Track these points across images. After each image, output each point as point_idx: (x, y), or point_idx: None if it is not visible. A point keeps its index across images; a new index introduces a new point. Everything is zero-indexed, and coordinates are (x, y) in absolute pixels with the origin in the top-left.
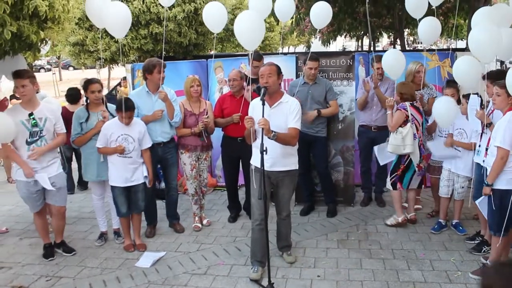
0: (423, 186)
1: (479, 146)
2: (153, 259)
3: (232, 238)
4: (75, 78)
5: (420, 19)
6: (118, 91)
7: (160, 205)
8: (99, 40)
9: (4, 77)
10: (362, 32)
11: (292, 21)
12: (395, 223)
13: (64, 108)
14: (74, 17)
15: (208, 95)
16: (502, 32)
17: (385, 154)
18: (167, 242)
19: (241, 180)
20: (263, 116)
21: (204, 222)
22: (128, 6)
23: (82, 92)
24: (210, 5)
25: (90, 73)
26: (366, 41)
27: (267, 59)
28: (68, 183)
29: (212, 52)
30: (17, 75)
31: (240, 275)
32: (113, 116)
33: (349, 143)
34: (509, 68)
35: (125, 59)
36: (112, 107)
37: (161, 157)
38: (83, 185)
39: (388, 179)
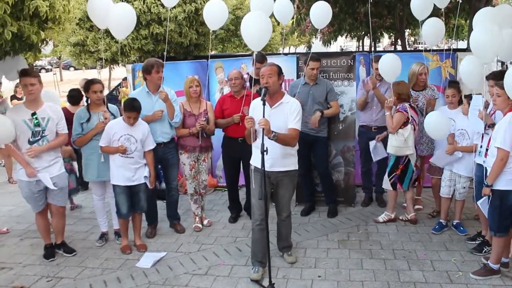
0: (418, 184)
1: (481, 146)
2: (154, 259)
3: (233, 238)
4: (76, 78)
5: (422, 21)
6: (119, 92)
7: (161, 205)
8: (100, 40)
9: (3, 77)
10: (363, 33)
11: (293, 22)
12: (387, 219)
13: (65, 109)
14: (75, 18)
15: (208, 95)
16: (504, 33)
17: (378, 151)
18: (167, 242)
19: (241, 181)
20: (263, 117)
21: (205, 222)
22: None
23: (82, 92)
24: (211, 3)
25: (91, 74)
26: (367, 41)
27: (267, 59)
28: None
29: (212, 52)
30: (25, 73)
31: (240, 275)
32: (114, 117)
33: (349, 143)
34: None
35: (126, 60)
36: (112, 107)
37: (162, 158)
38: (84, 185)
39: (387, 179)
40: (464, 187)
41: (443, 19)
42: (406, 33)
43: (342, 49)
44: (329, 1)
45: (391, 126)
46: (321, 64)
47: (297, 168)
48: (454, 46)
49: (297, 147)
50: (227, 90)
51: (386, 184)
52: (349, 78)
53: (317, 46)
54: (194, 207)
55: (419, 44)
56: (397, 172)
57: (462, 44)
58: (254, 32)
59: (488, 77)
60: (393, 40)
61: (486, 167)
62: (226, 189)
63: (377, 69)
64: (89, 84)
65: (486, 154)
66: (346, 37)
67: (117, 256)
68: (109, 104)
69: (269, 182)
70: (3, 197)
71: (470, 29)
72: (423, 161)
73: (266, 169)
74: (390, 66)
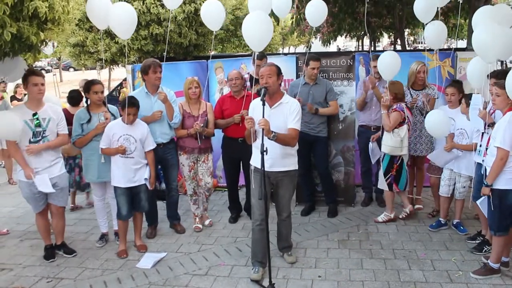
0: (418, 184)
1: (480, 145)
2: (154, 260)
3: (233, 238)
4: (75, 79)
5: (426, 24)
6: (120, 93)
7: (161, 206)
8: (100, 41)
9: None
10: (362, 32)
11: (293, 22)
12: (387, 219)
13: (65, 110)
14: (74, 18)
15: (208, 96)
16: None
17: (374, 152)
18: (168, 243)
19: (241, 181)
20: (263, 117)
21: (206, 222)
22: None
23: (82, 93)
24: (208, 3)
25: (91, 74)
26: (366, 41)
27: (267, 59)
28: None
29: (212, 53)
30: (35, 73)
31: (241, 275)
32: (115, 117)
33: (349, 143)
34: (510, 68)
35: (126, 60)
36: (112, 108)
37: (161, 158)
38: (79, 188)
39: (383, 179)
40: (464, 187)
41: (442, 18)
42: (406, 33)
43: (339, 49)
44: (329, 1)
45: (388, 124)
46: (321, 63)
47: (297, 168)
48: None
49: (297, 147)
50: (227, 90)
51: (383, 184)
52: (348, 78)
53: (317, 46)
54: (193, 208)
55: (419, 43)
56: (393, 172)
57: (461, 44)
58: (255, 32)
59: (490, 76)
60: (393, 39)
61: (485, 166)
62: (226, 189)
63: (375, 67)
64: (89, 84)
65: (485, 153)
66: (345, 37)
67: (117, 256)
68: (109, 105)
69: (269, 182)
70: (3, 198)
71: (470, 28)
72: (423, 161)
73: (266, 169)
74: (389, 64)
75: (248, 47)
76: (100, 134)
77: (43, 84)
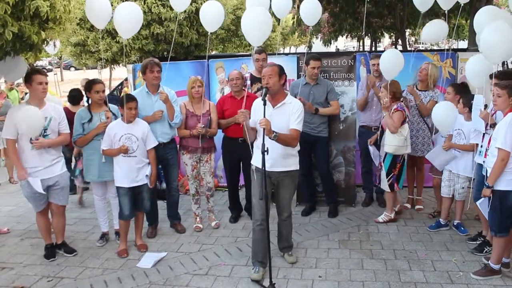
0: (419, 184)
1: (481, 146)
2: (155, 259)
3: (233, 238)
4: (76, 78)
5: (424, 14)
6: (121, 92)
7: (161, 205)
8: (100, 40)
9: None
10: (364, 33)
11: (293, 22)
12: (387, 219)
13: (66, 109)
14: (75, 18)
15: (209, 95)
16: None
17: (374, 154)
18: (168, 242)
19: (242, 181)
20: (264, 116)
21: (213, 224)
22: None
23: (83, 92)
24: (208, 4)
25: (92, 74)
26: (367, 41)
27: (268, 59)
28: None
29: (213, 53)
30: (40, 72)
31: (241, 275)
32: (116, 117)
33: (350, 143)
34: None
35: (127, 60)
36: (113, 107)
37: (162, 158)
38: (72, 189)
39: (385, 180)
40: (463, 187)
41: (443, 18)
42: (407, 33)
43: (337, 49)
44: (330, 1)
45: (393, 125)
46: (321, 63)
47: (298, 168)
48: (454, 46)
49: (298, 147)
50: (227, 90)
51: (384, 185)
52: (349, 78)
53: (318, 46)
54: (194, 207)
55: (420, 44)
56: (395, 172)
57: (462, 44)
58: (254, 26)
59: (492, 76)
60: (394, 40)
61: (486, 167)
62: (227, 189)
63: (374, 65)
64: (91, 84)
65: (486, 154)
66: (346, 37)
67: (118, 256)
68: (110, 104)
69: (270, 182)
70: (3, 197)
71: (471, 29)
72: (423, 161)
73: (267, 169)
74: (392, 63)
75: (249, 46)
76: (101, 133)
77: (46, 83)
